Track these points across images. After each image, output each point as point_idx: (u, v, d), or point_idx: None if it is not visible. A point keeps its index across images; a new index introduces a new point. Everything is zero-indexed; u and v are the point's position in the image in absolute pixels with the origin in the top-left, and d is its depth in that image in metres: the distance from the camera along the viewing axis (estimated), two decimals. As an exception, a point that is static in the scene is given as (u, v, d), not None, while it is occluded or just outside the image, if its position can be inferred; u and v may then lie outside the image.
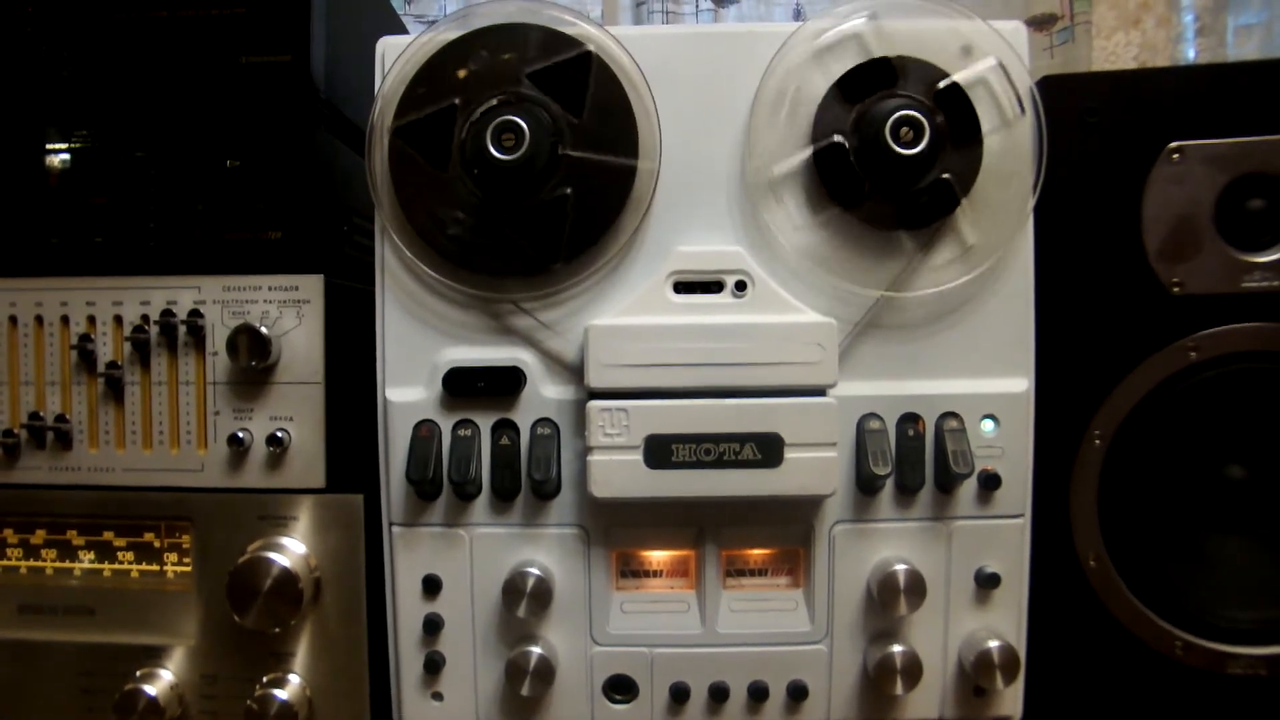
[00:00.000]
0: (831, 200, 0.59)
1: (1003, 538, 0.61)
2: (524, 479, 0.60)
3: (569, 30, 0.59)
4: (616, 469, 0.57)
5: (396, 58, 0.60)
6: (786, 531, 0.62)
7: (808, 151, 0.59)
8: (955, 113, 0.58)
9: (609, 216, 0.59)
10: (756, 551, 0.62)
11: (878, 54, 0.59)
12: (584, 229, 0.59)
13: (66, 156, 0.65)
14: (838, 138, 0.58)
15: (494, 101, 0.58)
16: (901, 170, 0.57)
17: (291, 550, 0.62)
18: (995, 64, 0.59)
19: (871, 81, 0.59)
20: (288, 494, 0.63)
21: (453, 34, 0.59)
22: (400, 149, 0.59)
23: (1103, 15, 1.20)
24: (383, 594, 0.62)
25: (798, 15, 1.32)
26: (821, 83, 0.59)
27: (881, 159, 0.57)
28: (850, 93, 0.59)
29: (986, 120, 0.59)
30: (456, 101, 0.58)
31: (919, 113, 0.56)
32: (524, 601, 0.59)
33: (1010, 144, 0.59)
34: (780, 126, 0.60)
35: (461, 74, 0.59)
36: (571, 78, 0.59)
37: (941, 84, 0.58)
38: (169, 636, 0.64)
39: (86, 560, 0.65)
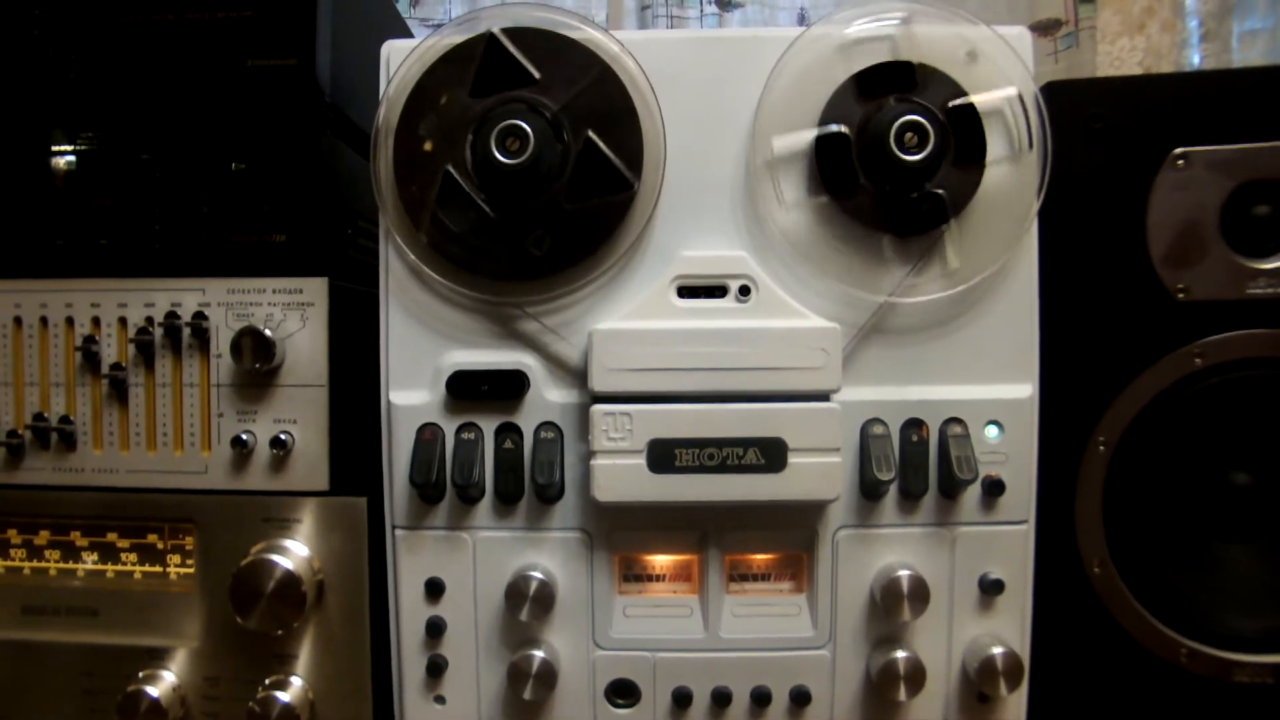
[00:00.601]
0: (824, 188, 0.59)
1: (1007, 544, 0.61)
2: (527, 483, 0.60)
3: (574, 35, 0.59)
4: (620, 473, 0.57)
5: (402, 62, 0.60)
6: (790, 536, 0.61)
7: (811, 133, 0.59)
8: (964, 132, 0.58)
9: (614, 219, 0.59)
10: (759, 556, 0.62)
11: (904, 58, 0.59)
12: (590, 230, 0.59)
13: (72, 158, 0.66)
14: (843, 127, 0.58)
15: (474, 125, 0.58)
16: (898, 174, 0.57)
17: (295, 552, 0.62)
18: (1014, 95, 0.59)
19: (890, 82, 0.59)
20: (291, 496, 0.63)
21: (458, 38, 0.59)
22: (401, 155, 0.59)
23: (1107, 20, 1.20)
24: (385, 597, 0.62)
25: (802, 20, 1.32)
26: (841, 72, 0.59)
27: (881, 158, 0.57)
28: (867, 88, 0.59)
29: (994, 149, 0.58)
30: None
31: (928, 122, 0.56)
32: (526, 605, 0.59)
33: (1012, 178, 0.59)
34: (791, 106, 0.59)
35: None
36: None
37: (956, 101, 0.58)
38: (172, 638, 0.64)
39: (90, 561, 0.65)
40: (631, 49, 0.59)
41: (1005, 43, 0.59)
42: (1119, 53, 1.20)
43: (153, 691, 0.62)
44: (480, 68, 0.59)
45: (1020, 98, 0.59)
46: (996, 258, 0.60)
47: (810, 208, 0.60)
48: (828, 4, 1.31)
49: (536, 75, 0.59)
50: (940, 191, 0.58)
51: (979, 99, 0.58)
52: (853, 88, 0.59)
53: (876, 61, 0.59)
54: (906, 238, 0.59)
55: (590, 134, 0.58)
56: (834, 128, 0.58)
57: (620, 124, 0.59)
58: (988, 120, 0.58)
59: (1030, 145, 0.59)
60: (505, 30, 0.59)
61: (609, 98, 0.59)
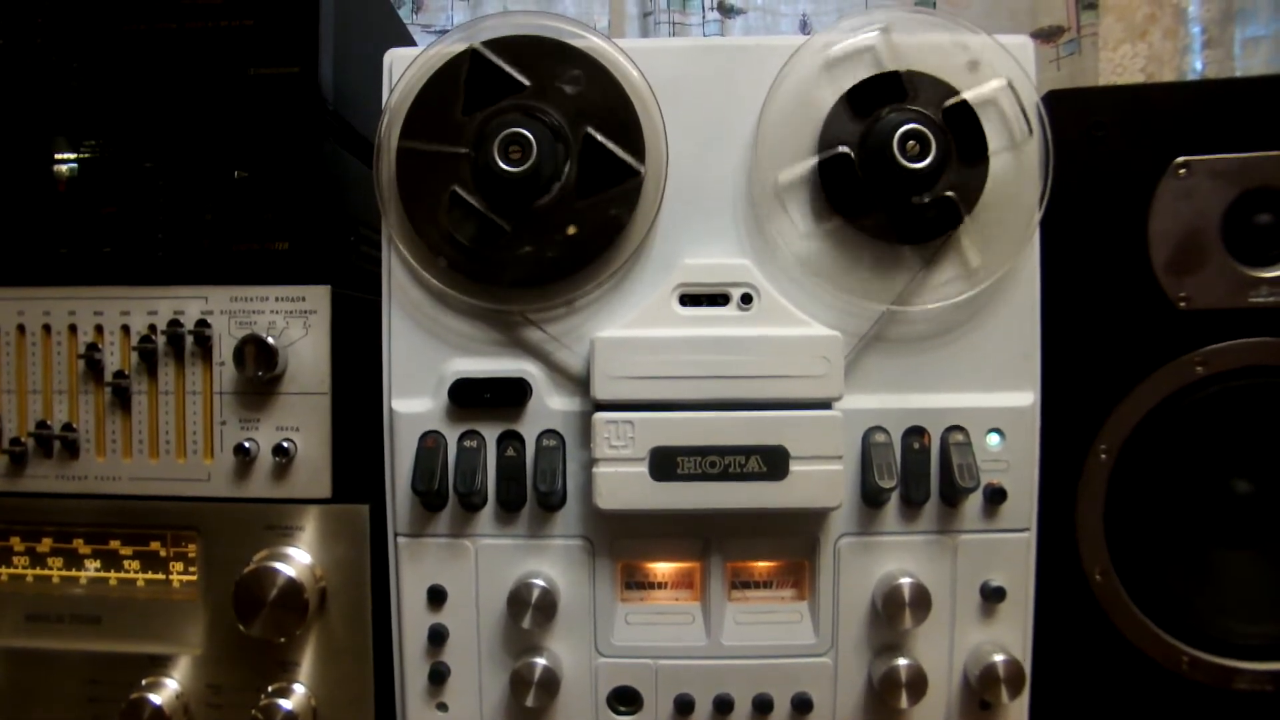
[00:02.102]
0: (835, 211, 0.59)
1: (1008, 551, 0.61)
2: (529, 490, 0.60)
3: (577, 43, 0.59)
4: (622, 481, 0.57)
5: (404, 70, 0.60)
6: (791, 544, 0.62)
7: (813, 160, 0.59)
8: (963, 131, 0.58)
9: (620, 220, 0.59)
10: (761, 564, 0.62)
11: (889, 68, 0.59)
12: (600, 227, 0.59)
13: (75, 166, 0.66)
14: (844, 148, 0.58)
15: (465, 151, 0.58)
16: (906, 184, 0.57)
17: (297, 560, 0.62)
18: (1005, 84, 0.59)
19: (881, 95, 0.59)
20: (294, 504, 0.63)
21: (460, 46, 0.59)
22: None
23: (1109, 27, 1.20)
24: (388, 604, 0.62)
25: (804, 28, 1.32)
26: (830, 94, 0.59)
27: (887, 171, 0.57)
28: (859, 105, 0.59)
29: (994, 140, 0.59)
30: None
31: (927, 128, 0.57)
32: (529, 612, 0.59)
33: (1017, 165, 0.59)
34: (788, 135, 0.59)
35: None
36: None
37: (950, 101, 0.58)
38: (174, 645, 0.64)
39: (92, 569, 0.65)
40: (633, 56, 0.59)
41: (1008, 53, 0.59)
42: (1121, 59, 1.20)
43: (156, 699, 0.62)
44: (468, 83, 0.59)
45: (1011, 85, 0.59)
46: (1015, 248, 0.60)
47: (823, 233, 0.60)
48: (830, 12, 1.31)
49: (526, 82, 0.59)
50: (950, 194, 0.58)
51: (971, 95, 0.58)
52: (845, 107, 0.59)
53: (863, 77, 0.59)
54: (924, 245, 0.59)
55: (589, 129, 0.58)
56: (836, 150, 0.58)
57: (617, 117, 0.59)
58: (983, 114, 0.58)
59: (1030, 131, 0.59)
60: (487, 43, 0.59)
61: (602, 93, 0.59)
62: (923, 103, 0.58)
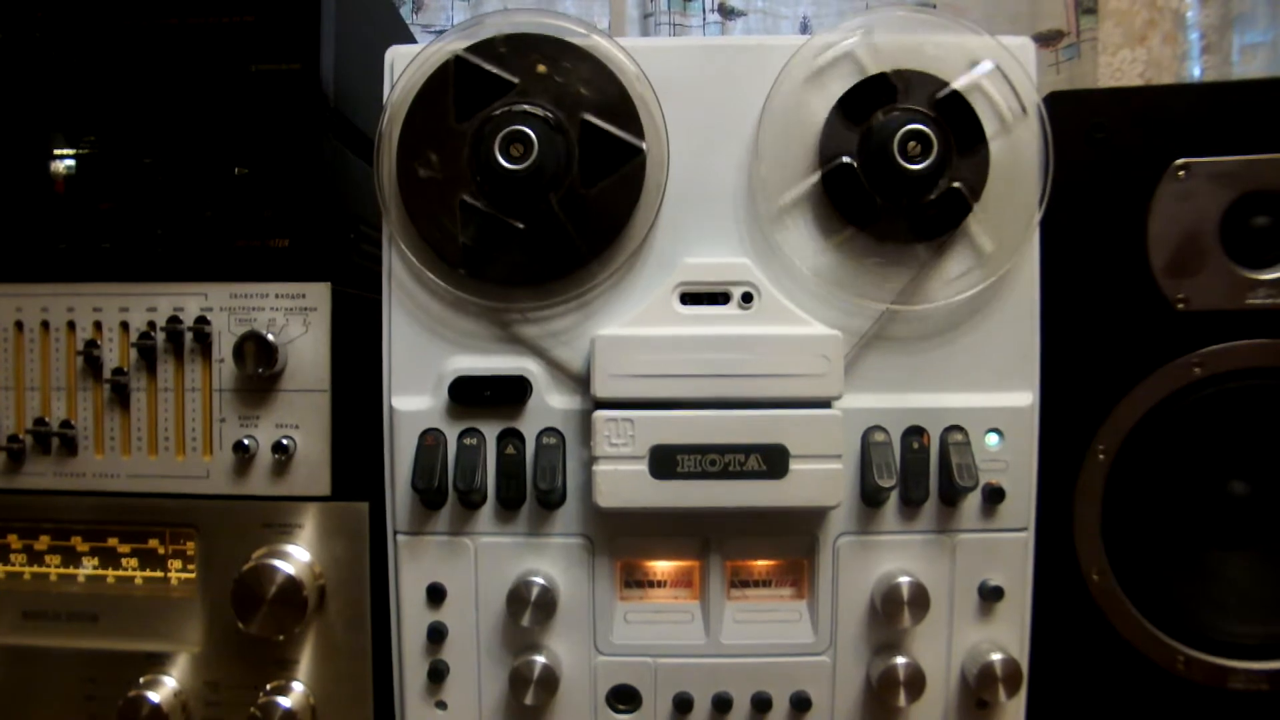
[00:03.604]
0: (846, 221, 0.59)
1: (1006, 551, 0.61)
2: (529, 488, 0.60)
3: (578, 41, 0.59)
4: (622, 479, 0.58)
5: (405, 67, 0.60)
6: (791, 543, 0.62)
7: (816, 176, 0.59)
8: (958, 120, 0.58)
9: (628, 203, 0.59)
10: (761, 563, 0.62)
11: (873, 71, 0.59)
12: (606, 218, 0.59)
13: (75, 162, 0.65)
14: (845, 159, 0.59)
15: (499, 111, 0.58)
16: (913, 185, 0.57)
17: (296, 558, 0.62)
18: (992, 67, 0.59)
19: (872, 99, 0.59)
20: (293, 501, 0.63)
21: (461, 44, 0.59)
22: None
23: (1109, 32, 1.21)
24: (387, 602, 0.62)
25: (805, 29, 1.32)
26: (821, 107, 0.59)
27: (892, 176, 0.57)
28: (852, 113, 0.59)
29: (989, 125, 0.59)
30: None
31: (924, 125, 0.57)
32: (528, 610, 0.59)
33: (1014, 145, 0.59)
34: (787, 153, 0.60)
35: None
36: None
37: (941, 93, 0.58)
38: (173, 643, 0.64)
39: (90, 566, 0.65)
40: (634, 55, 0.59)
41: (1010, 54, 0.59)
42: (1120, 64, 1.20)
43: (154, 697, 0.61)
44: (457, 90, 0.59)
45: (998, 68, 0.59)
46: (1025, 229, 0.60)
47: (835, 245, 0.60)
48: (830, 14, 1.31)
49: (514, 80, 0.59)
50: (956, 185, 0.58)
51: (959, 83, 0.58)
52: (839, 116, 0.59)
53: (850, 83, 0.59)
54: (937, 240, 0.59)
55: (585, 116, 0.58)
56: (838, 162, 0.59)
57: (611, 100, 0.59)
58: (975, 99, 0.58)
59: (1024, 110, 0.59)
60: (470, 48, 0.59)
61: (594, 81, 0.59)
62: (914, 99, 0.58)
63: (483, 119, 0.58)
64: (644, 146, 0.59)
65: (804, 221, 0.60)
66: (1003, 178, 0.59)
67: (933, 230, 0.59)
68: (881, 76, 0.59)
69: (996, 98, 0.59)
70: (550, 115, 0.58)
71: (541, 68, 0.59)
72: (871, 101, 0.59)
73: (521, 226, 0.58)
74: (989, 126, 0.59)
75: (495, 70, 0.59)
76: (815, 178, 0.59)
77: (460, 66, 0.59)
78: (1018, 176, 0.59)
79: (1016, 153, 0.59)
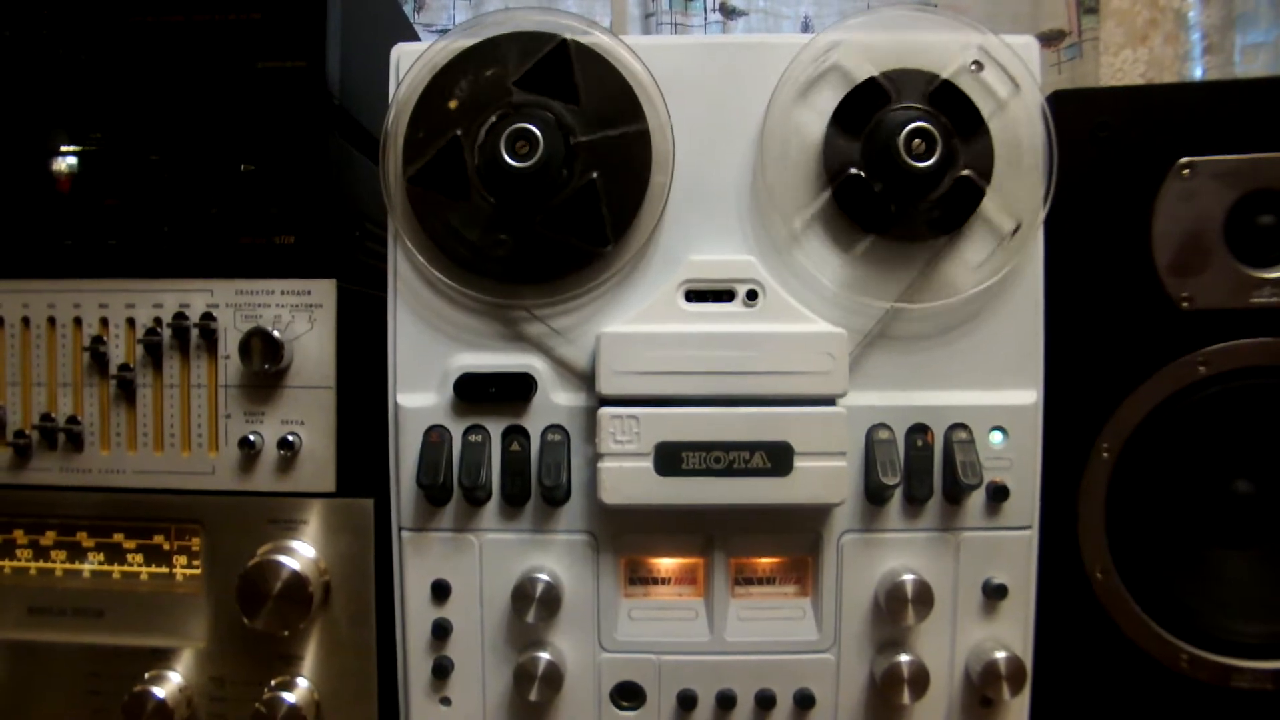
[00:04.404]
0: (864, 230, 0.59)
1: (1010, 549, 0.61)
2: (534, 485, 0.61)
3: (582, 39, 0.60)
4: (626, 476, 0.58)
5: (411, 65, 0.60)
6: (795, 540, 0.62)
7: (827, 193, 0.59)
8: (955, 108, 0.58)
9: (638, 190, 0.59)
10: (765, 560, 0.63)
11: (861, 78, 0.59)
12: (616, 208, 0.59)
13: (81, 159, 0.66)
14: (853, 170, 0.59)
15: (500, 112, 0.58)
16: (923, 181, 0.57)
17: (301, 554, 0.62)
18: (976, 47, 0.59)
19: (866, 105, 0.59)
20: (298, 497, 0.63)
21: (467, 41, 0.59)
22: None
23: (1110, 32, 1.21)
24: (392, 598, 0.63)
25: (806, 28, 1.32)
26: (817, 123, 0.59)
27: (901, 177, 0.57)
28: (849, 123, 0.59)
29: (985, 106, 0.59)
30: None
31: (924, 121, 0.57)
32: (533, 607, 0.59)
33: (1012, 121, 0.59)
34: (790, 176, 0.60)
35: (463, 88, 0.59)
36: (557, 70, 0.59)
37: (932, 86, 0.58)
38: (177, 639, 0.64)
39: (96, 562, 0.65)
40: (639, 53, 0.60)
41: (1013, 52, 0.60)
42: (1122, 64, 1.20)
43: (159, 692, 0.62)
44: (538, 65, 0.59)
45: (981, 47, 0.59)
46: (1038, 199, 0.59)
47: (856, 257, 0.60)
48: (832, 13, 1.31)
49: (581, 101, 0.59)
50: (966, 172, 0.58)
51: (949, 72, 0.59)
52: (836, 130, 0.59)
53: (842, 92, 0.59)
54: (958, 230, 0.59)
55: (594, 176, 0.58)
56: (847, 174, 0.59)
57: (627, 180, 0.59)
58: (966, 84, 0.59)
59: (1016, 87, 0.59)
60: (474, 46, 0.59)
61: (629, 153, 0.59)
62: (907, 97, 0.59)
63: (531, 99, 0.58)
64: (608, 249, 0.59)
65: (820, 238, 0.60)
66: (1007, 155, 0.59)
67: (951, 222, 0.59)
68: (871, 81, 0.59)
69: (989, 79, 0.59)
70: (574, 147, 0.58)
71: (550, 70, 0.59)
72: (866, 108, 0.59)
73: (526, 224, 0.58)
74: (985, 107, 0.59)
75: (578, 78, 0.59)
76: (826, 195, 0.59)
77: (558, 51, 0.59)
78: (1024, 150, 0.59)
79: (1016, 128, 0.59)
